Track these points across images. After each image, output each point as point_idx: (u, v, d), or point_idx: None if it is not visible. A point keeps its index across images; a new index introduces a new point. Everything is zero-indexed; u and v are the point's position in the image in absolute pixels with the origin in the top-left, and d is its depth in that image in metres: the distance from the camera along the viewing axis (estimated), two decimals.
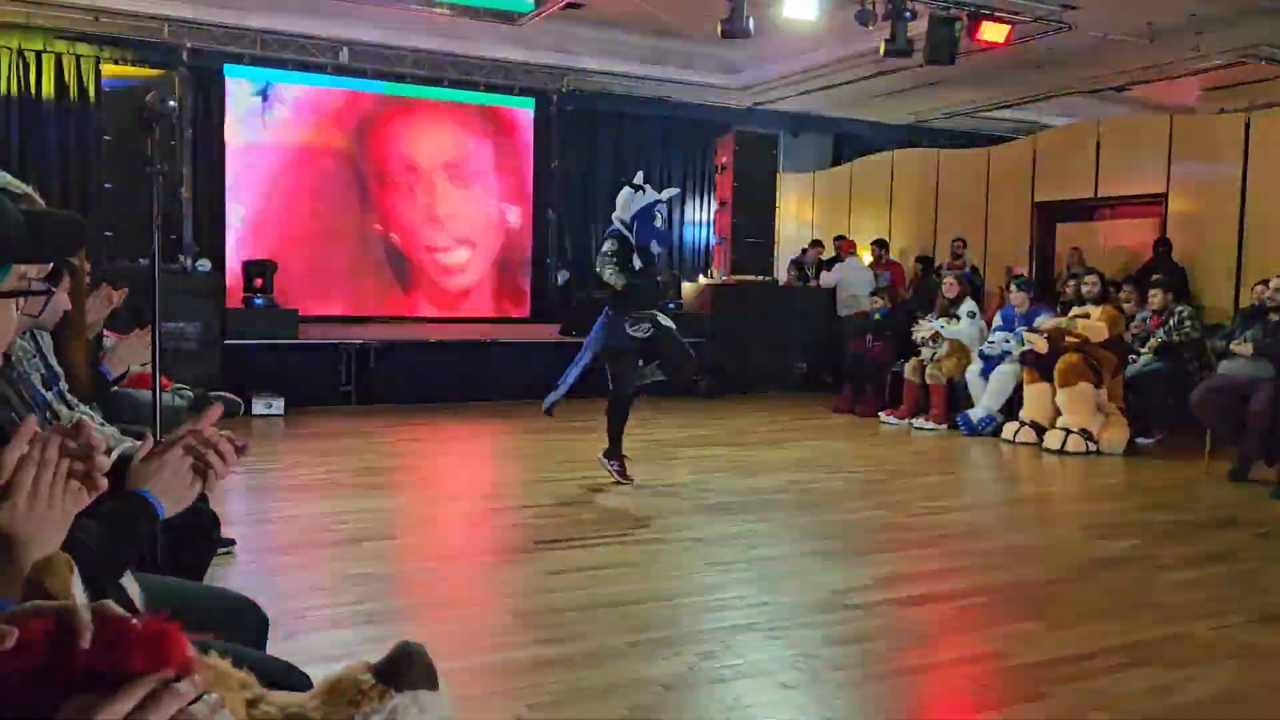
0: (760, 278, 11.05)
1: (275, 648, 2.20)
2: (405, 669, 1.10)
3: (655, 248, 5.79)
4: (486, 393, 9.20)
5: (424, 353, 9.35)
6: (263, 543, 4.47)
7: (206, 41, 10.28)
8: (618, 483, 5.71)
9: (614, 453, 5.79)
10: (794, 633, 3.36)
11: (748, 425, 8.45)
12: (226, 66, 10.63)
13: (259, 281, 9.30)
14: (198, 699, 0.84)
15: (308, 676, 1.68)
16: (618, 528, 4.73)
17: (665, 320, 5.83)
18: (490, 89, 12.05)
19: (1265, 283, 7.09)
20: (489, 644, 3.25)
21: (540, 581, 3.99)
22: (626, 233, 5.69)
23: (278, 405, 8.09)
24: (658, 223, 5.73)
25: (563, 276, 12.34)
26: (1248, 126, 8.97)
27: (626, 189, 5.86)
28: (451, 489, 6.16)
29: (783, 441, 7.60)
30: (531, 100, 12.39)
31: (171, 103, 3.63)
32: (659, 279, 6.19)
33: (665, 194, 5.94)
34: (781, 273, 12.08)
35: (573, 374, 5.81)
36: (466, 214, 12.25)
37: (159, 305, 3.57)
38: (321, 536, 4.68)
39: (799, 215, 13.63)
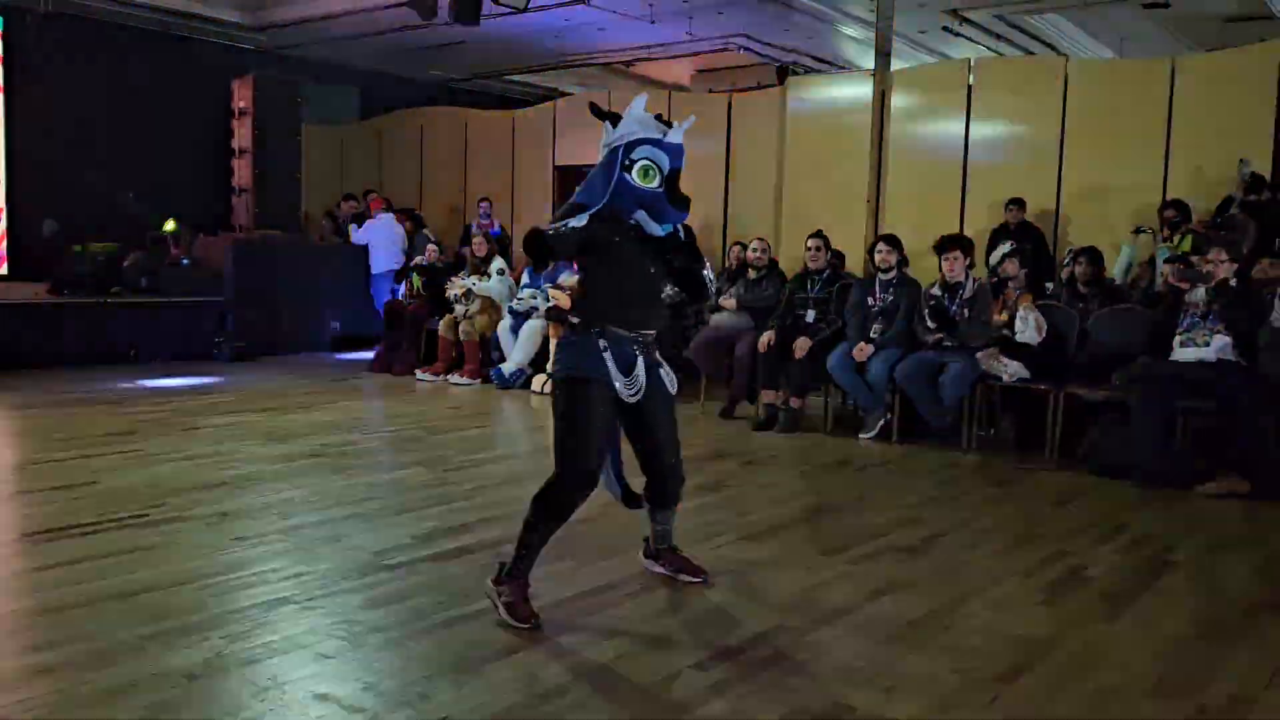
0: (286, 233, 10.48)
1: None
2: None
3: (649, 221, 3.33)
4: None
5: None
6: None
7: None
8: (513, 625, 3.09)
9: (517, 573, 3.20)
10: (332, 600, 3.28)
11: (278, 389, 8.02)
12: None
13: None
14: None
15: None
16: (128, 509, 4.26)
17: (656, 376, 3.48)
18: None
19: (743, 245, 8.20)
20: None
21: (32, 579, 3.48)
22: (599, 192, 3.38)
23: None
24: (649, 181, 3.26)
25: (50, 227, 10.68)
26: (730, 107, 10.23)
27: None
28: None
29: (317, 404, 7.34)
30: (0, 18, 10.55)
31: None
32: (658, 284, 3.43)
33: (645, 126, 3.31)
34: (312, 228, 11.59)
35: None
36: None
37: None
38: None
39: (329, 169, 13.11)
